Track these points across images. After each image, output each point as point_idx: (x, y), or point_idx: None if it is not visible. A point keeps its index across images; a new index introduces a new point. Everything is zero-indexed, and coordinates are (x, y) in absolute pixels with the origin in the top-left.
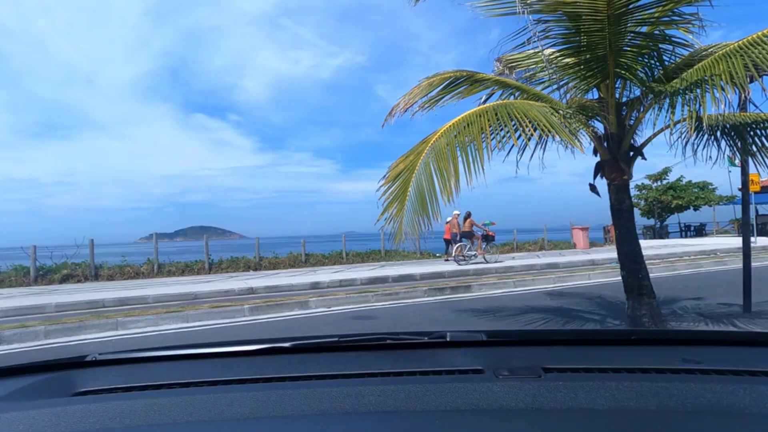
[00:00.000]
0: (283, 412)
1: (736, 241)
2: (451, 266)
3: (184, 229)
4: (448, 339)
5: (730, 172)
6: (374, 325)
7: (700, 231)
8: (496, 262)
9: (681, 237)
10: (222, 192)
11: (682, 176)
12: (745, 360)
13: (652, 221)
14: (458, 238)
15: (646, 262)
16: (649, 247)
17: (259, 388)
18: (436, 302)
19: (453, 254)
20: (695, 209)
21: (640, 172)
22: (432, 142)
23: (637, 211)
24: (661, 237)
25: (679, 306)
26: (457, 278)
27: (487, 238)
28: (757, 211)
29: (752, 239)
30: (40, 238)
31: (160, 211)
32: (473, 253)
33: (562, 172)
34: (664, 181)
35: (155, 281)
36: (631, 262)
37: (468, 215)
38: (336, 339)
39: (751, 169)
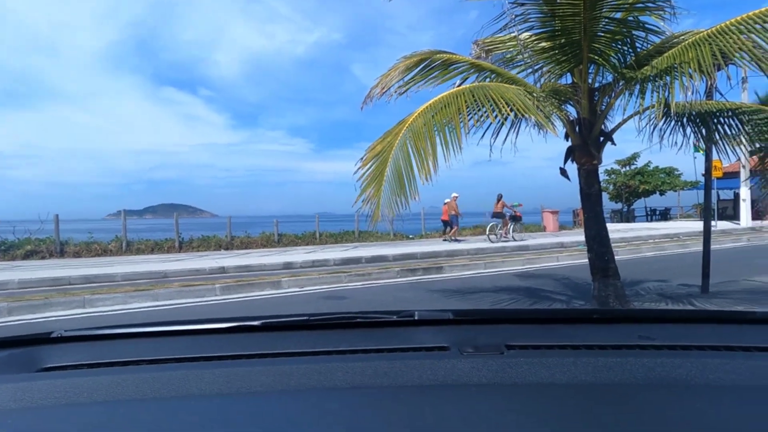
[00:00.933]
0: (251, 389)
1: (699, 225)
2: (425, 247)
3: (153, 206)
4: (416, 318)
5: (695, 158)
6: (346, 305)
7: (665, 215)
8: (522, 240)
9: (647, 221)
10: (193, 169)
11: (649, 162)
12: (694, 336)
13: (619, 205)
14: (457, 219)
15: (613, 245)
16: (616, 230)
17: (226, 365)
18: (408, 283)
19: (448, 234)
20: (661, 194)
21: (610, 157)
22: (409, 122)
23: (605, 195)
24: (628, 221)
25: (643, 287)
26: (429, 259)
27: (515, 219)
28: (718, 196)
29: (713, 223)
30: (0, 211)
31: (129, 187)
32: (501, 231)
33: (534, 157)
34: (632, 167)
35: (124, 259)
36: (598, 244)
37: (500, 197)
38: (306, 318)
39: (714, 156)
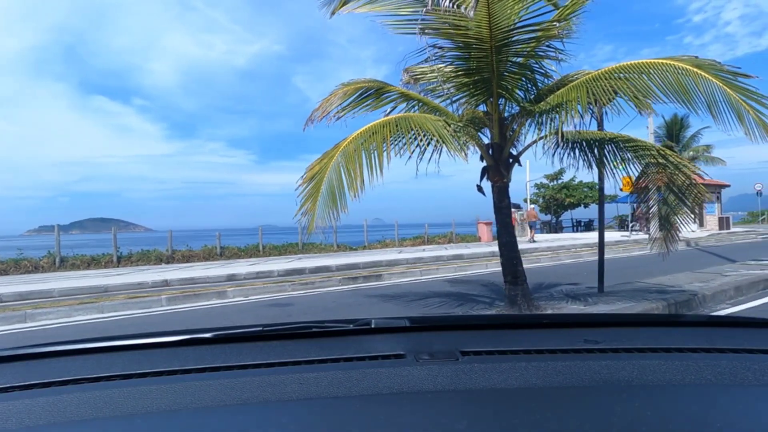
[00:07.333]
0: (202, 403)
1: (615, 235)
2: (367, 257)
3: (81, 221)
4: (372, 326)
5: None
6: (291, 312)
7: (588, 226)
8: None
9: (573, 231)
10: (125, 181)
11: (574, 176)
12: (635, 339)
13: (548, 217)
14: (535, 224)
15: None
16: (544, 240)
17: (176, 379)
18: (350, 290)
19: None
20: (585, 206)
21: (540, 172)
22: (343, 147)
23: (536, 207)
24: (556, 231)
25: (556, 289)
26: (370, 268)
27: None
28: (632, 209)
29: (627, 233)
30: None
31: (53, 200)
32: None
33: (473, 170)
34: (559, 181)
35: (58, 275)
36: (508, 251)
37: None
38: (260, 329)
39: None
